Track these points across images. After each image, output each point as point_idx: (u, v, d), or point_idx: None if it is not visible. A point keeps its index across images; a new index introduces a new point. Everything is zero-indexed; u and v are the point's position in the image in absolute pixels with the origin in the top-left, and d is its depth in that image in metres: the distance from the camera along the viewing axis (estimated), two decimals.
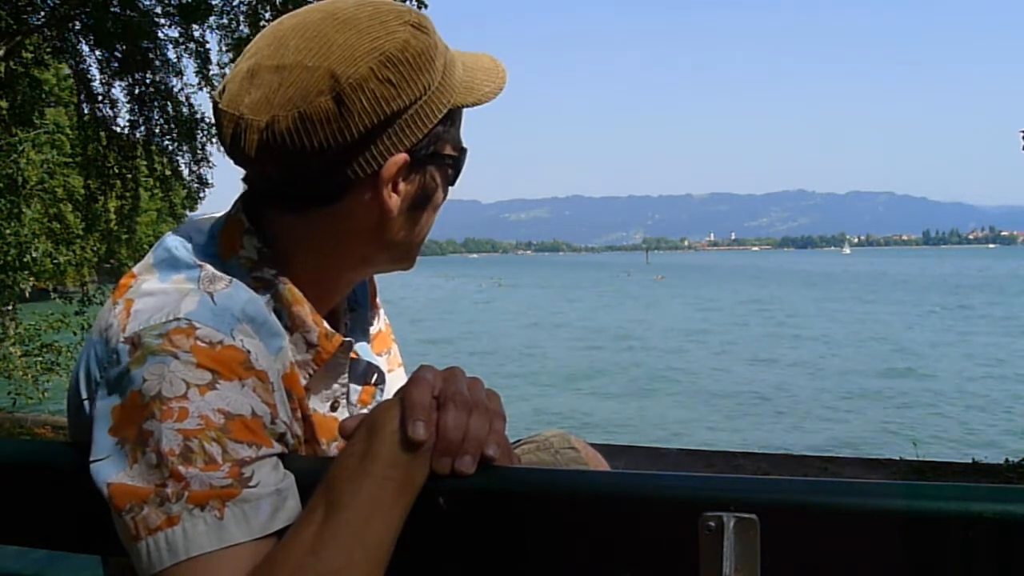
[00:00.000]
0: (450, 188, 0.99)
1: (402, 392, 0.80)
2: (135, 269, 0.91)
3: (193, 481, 0.73)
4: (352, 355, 1.03)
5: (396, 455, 0.75)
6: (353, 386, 1.02)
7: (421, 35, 0.87)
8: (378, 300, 1.16)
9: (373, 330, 1.13)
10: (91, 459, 0.78)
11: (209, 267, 0.88)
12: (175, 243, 0.92)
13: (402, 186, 0.91)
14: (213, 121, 0.95)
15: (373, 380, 1.04)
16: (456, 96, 0.92)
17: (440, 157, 0.93)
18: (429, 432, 0.76)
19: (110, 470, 0.76)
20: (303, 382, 0.92)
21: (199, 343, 0.79)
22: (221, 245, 0.91)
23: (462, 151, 0.97)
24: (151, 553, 0.72)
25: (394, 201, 0.90)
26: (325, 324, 0.93)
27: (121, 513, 0.74)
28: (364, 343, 1.09)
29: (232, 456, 0.75)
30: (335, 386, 0.97)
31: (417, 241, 0.99)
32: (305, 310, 0.91)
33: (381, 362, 1.12)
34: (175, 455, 0.74)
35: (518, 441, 1.17)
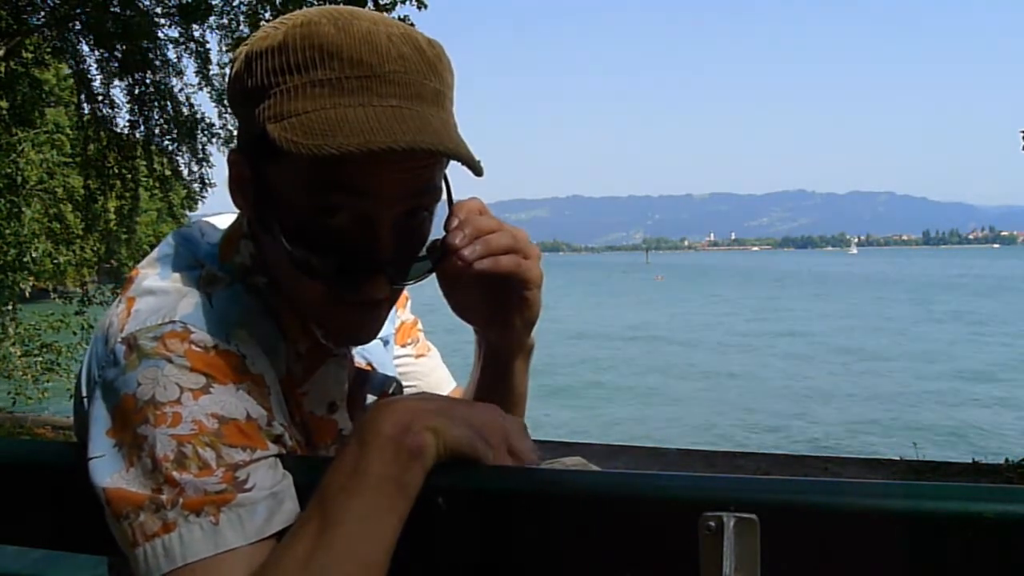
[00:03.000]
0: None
1: (402, 405, 0.77)
2: (141, 264, 0.92)
3: (188, 487, 0.73)
4: (367, 367, 1.03)
5: (388, 465, 0.74)
6: (371, 396, 1.02)
7: (304, 39, 0.79)
8: (407, 293, 1.14)
9: (394, 331, 1.13)
10: (88, 456, 0.78)
11: (210, 268, 0.88)
12: (180, 239, 0.92)
13: (249, 188, 0.86)
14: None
15: (391, 390, 1.03)
16: (271, 112, 0.79)
17: (270, 178, 0.82)
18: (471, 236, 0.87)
19: (106, 472, 0.76)
20: (300, 388, 0.92)
21: (193, 347, 0.78)
22: (222, 248, 0.92)
23: (314, 207, 0.80)
24: (148, 559, 0.72)
25: (240, 199, 0.88)
26: (317, 334, 0.93)
27: (119, 519, 0.74)
28: (382, 351, 1.09)
29: (226, 460, 0.75)
30: (334, 391, 0.97)
31: (284, 276, 0.86)
32: (293, 320, 0.91)
33: (407, 352, 1.13)
34: (169, 461, 0.73)
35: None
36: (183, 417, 0.75)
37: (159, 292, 0.85)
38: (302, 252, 0.81)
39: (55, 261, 9.76)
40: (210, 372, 0.78)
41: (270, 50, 0.81)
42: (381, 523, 0.73)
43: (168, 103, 10.90)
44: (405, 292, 1.13)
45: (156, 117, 10.99)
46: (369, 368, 1.04)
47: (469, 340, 1.04)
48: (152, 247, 0.95)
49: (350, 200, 0.80)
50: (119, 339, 0.80)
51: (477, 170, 0.82)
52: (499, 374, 1.03)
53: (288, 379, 0.90)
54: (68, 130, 12.14)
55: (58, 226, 11.20)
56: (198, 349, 0.79)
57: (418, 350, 1.17)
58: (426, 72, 0.82)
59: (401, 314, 1.16)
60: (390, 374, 1.06)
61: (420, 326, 1.20)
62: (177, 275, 0.87)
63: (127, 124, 11.07)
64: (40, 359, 9.45)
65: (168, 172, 11.47)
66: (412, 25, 1.04)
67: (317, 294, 0.85)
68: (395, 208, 0.82)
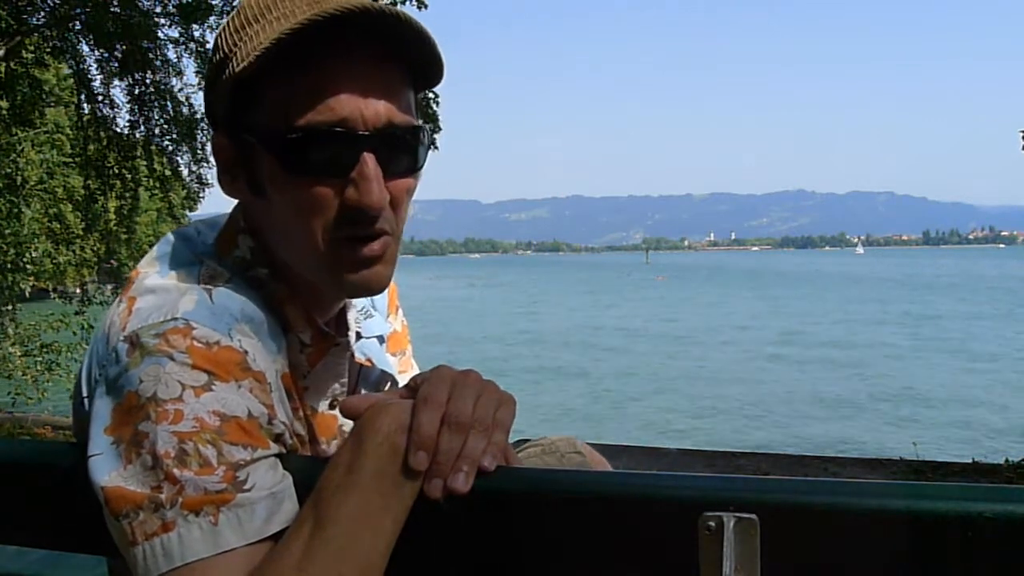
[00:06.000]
0: (313, 176, 0.83)
1: (399, 407, 0.77)
2: (140, 263, 0.92)
3: (188, 485, 0.73)
4: (367, 362, 1.03)
5: (384, 466, 0.74)
6: (365, 392, 1.02)
7: None
8: (397, 302, 1.16)
9: (388, 331, 1.13)
10: (88, 454, 0.78)
11: (210, 264, 0.89)
12: (178, 238, 0.93)
13: (237, 165, 0.88)
14: None
15: (386, 388, 1.04)
16: (238, 61, 0.82)
17: (250, 131, 0.85)
18: (430, 460, 0.74)
19: (105, 470, 0.76)
20: (302, 381, 0.93)
21: (196, 343, 0.79)
22: (219, 243, 0.92)
23: (293, 129, 0.81)
24: (147, 558, 0.72)
25: (229, 182, 0.90)
26: (320, 324, 0.93)
27: (117, 518, 0.74)
28: (379, 348, 1.09)
29: (227, 459, 0.75)
30: (335, 385, 0.97)
31: (286, 239, 0.88)
32: (297, 310, 0.91)
33: (394, 362, 1.12)
34: (170, 458, 0.73)
35: (525, 442, 1.18)
36: (184, 414, 0.75)
37: (160, 290, 0.85)
38: (293, 156, 0.82)
39: (55, 261, 9.76)
40: (212, 369, 0.78)
41: (229, 20, 0.87)
42: (375, 522, 0.73)
43: (168, 103, 10.89)
44: (396, 297, 1.13)
45: (156, 117, 10.98)
46: (368, 363, 1.04)
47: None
48: (152, 247, 0.96)
49: (327, 109, 0.81)
50: (121, 337, 0.80)
51: (429, 45, 0.83)
52: None
53: (291, 374, 0.90)
54: (68, 130, 12.13)
55: (58, 226, 11.21)
56: (200, 345, 0.79)
57: (402, 365, 1.16)
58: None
59: (393, 321, 1.16)
60: (387, 371, 1.06)
61: (409, 336, 1.20)
62: (177, 273, 0.87)
63: (127, 124, 11.07)
64: (40, 359, 9.45)
65: (168, 172, 11.47)
66: None
67: (319, 236, 0.85)
68: (369, 111, 0.82)
